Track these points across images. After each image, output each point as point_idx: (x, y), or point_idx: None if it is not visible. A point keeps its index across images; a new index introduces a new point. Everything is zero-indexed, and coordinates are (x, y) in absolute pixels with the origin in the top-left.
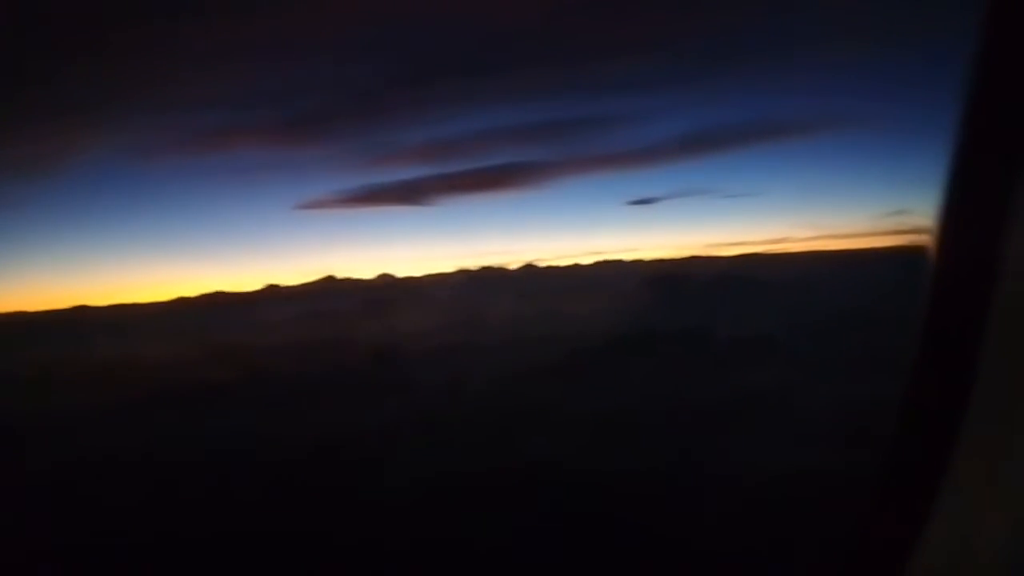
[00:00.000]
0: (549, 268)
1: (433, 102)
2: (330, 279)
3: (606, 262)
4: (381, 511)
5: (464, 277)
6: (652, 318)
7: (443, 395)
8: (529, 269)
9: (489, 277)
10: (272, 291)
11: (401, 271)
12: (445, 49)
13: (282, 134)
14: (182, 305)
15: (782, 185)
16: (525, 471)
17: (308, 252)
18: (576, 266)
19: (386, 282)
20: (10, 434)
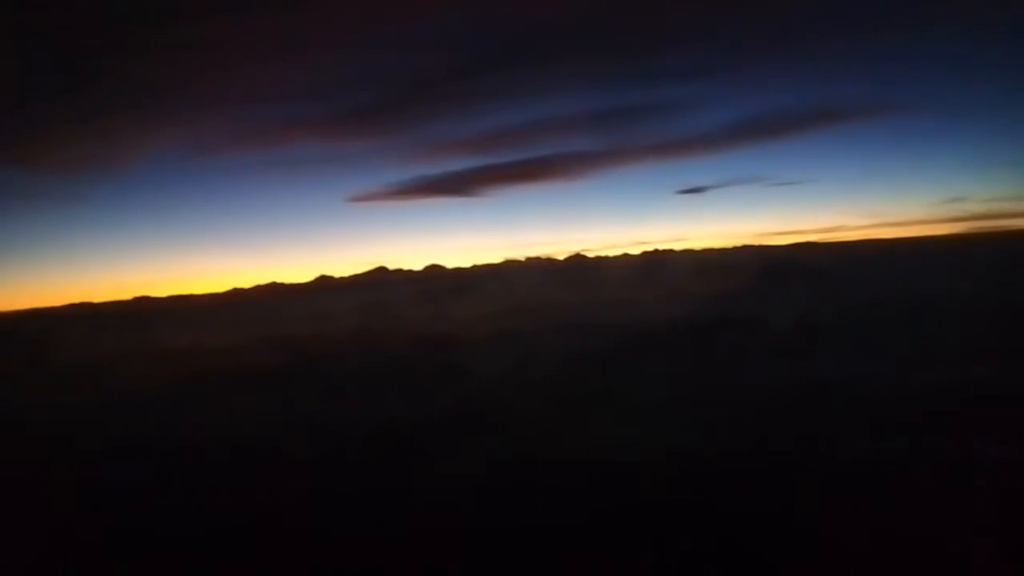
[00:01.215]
0: (598, 258)
1: (483, 93)
2: (381, 269)
3: (656, 251)
4: (442, 494)
5: (512, 267)
6: (702, 307)
7: (498, 381)
8: (577, 259)
9: (538, 267)
10: (325, 282)
11: (450, 262)
12: (495, 40)
13: (335, 128)
14: (237, 296)
15: (836, 172)
16: (587, 458)
17: (360, 243)
18: (625, 256)
19: (435, 272)
20: (76, 418)
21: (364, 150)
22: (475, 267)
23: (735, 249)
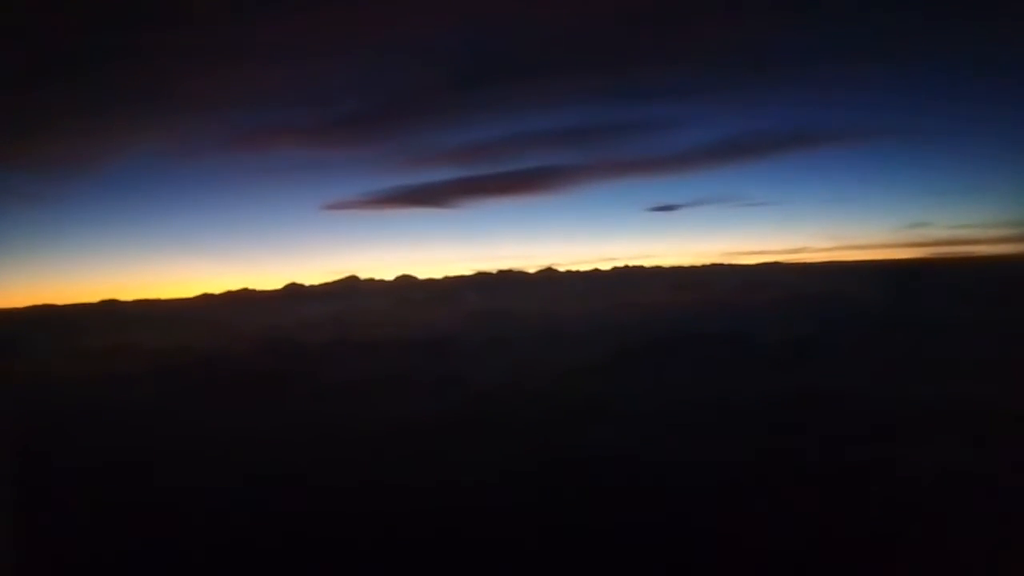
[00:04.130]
0: (568, 272)
1: (468, 106)
2: (352, 278)
3: (626, 267)
4: (456, 496)
5: (485, 279)
6: (682, 322)
7: (497, 389)
8: (548, 273)
9: (510, 280)
10: (295, 289)
11: (422, 273)
12: (481, 53)
13: (318, 136)
14: (208, 301)
15: (803, 194)
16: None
17: (332, 251)
18: (596, 271)
19: (407, 283)
20: (37, 424)
21: (345, 159)
22: (447, 278)
23: (703, 267)
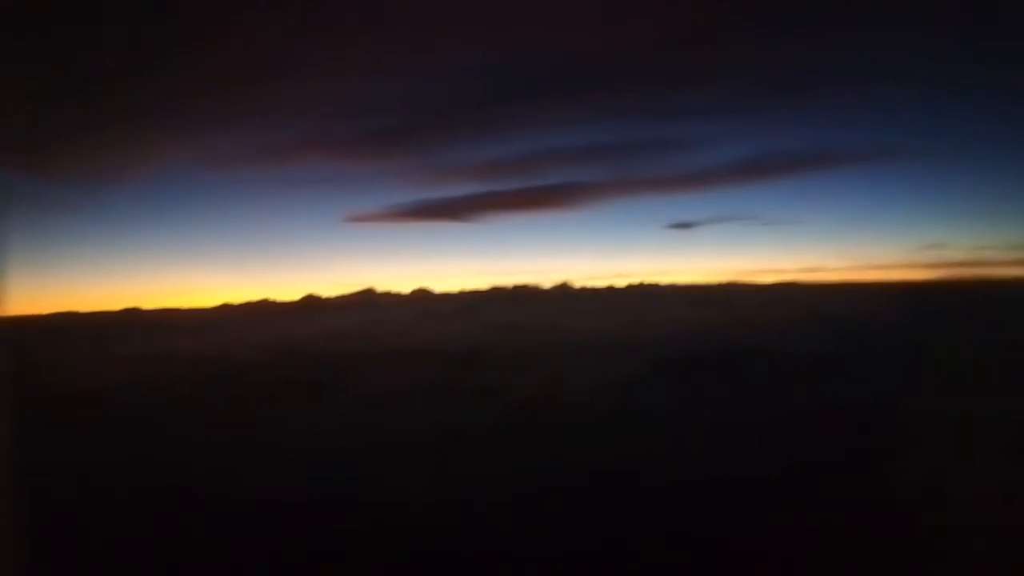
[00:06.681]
0: (583, 289)
1: (491, 122)
2: (370, 291)
3: (641, 285)
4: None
5: (502, 294)
6: (707, 338)
7: (537, 401)
8: (563, 288)
9: (527, 295)
10: (313, 301)
11: (438, 286)
12: (505, 71)
13: (347, 149)
14: (228, 311)
15: (820, 214)
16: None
17: (351, 264)
18: (611, 288)
19: (424, 296)
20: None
21: (370, 172)
22: (463, 292)
23: (719, 286)
